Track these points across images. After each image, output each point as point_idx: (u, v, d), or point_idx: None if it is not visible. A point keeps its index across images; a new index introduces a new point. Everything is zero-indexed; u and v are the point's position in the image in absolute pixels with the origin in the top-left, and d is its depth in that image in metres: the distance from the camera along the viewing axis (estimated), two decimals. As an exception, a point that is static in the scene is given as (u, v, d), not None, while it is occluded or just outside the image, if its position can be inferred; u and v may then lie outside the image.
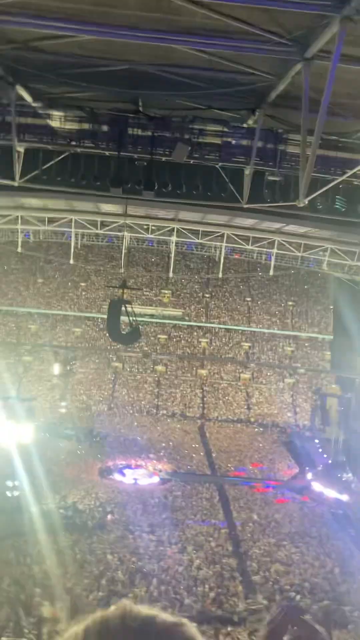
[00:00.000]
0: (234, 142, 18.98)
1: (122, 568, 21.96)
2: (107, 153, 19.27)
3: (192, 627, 0.91)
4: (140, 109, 18.10)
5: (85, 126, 18.84)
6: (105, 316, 24.21)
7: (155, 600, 18.84)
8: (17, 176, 20.19)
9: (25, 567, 21.05)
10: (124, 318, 21.83)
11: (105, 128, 18.75)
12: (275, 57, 12.80)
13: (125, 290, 25.82)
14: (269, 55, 12.66)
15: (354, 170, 16.69)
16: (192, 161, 19.18)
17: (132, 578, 21.22)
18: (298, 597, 20.80)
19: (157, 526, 26.21)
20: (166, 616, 0.91)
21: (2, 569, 20.93)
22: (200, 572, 22.32)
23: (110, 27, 12.25)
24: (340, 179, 17.30)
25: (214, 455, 38.96)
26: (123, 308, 21.36)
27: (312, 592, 21.50)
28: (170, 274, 51.28)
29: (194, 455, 38.80)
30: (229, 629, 18.47)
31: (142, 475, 34.08)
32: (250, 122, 17.88)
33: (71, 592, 19.04)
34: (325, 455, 38.83)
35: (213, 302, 53.23)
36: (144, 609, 0.92)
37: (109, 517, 26.93)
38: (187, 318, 52.33)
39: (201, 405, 48.23)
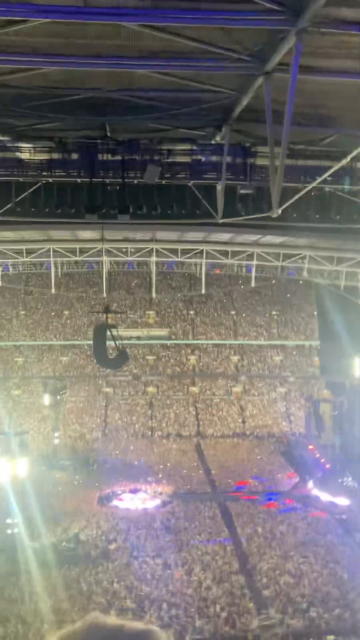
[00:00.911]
0: (203, 159, 19.19)
1: (130, 596, 21.61)
2: (79, 180, 19.36)
3: (160, 633, 0.88)
4: (108, 134, 18.26)
5: (55, 156, 18.94)
6: (91, 342, 24.08)
7: (167, 625, 18.52)
8: (-9, 211, 20.22)
9: (31, 604, 20.62)
10: (110, 342, 21.75)
11: (75, 156, 18.85)
12: (236, 73, 13.02)
13: (109, 315, 25.80)
14: (230, 72, 12.88)
15: (323, 177, 16.94)
16: (164, 181, 19.35)
17: (142, 605, 20.87)
18: (313, 612, 20.60)
19: (162, 550, 25.87)
20: (135, 625, 0.88)
21: (8, 608, 20.49)
22: (210, 592, 22.03)
23: (72, 57, 12.40)
24: (310, 187, 17.54)
25: (213, 472, 38.69)
26: (108, 332, 21.30)
27: (324, 601, 21.30)
28: (153, 295, 51.38)
29: (193, 474, 38.48)
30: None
31: (142, 500, 33.70)
32: (217, 138, 18.12)
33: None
34: (323, 462, 38.76)
35: (198, 319, 53.31)
36: (112, 620, 0.89)
37: (112, 545, 26.56)
38: (173, 337, 52.31)
39: (196, 423, 48.00)
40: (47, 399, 43.99)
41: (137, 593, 21.83)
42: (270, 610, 20.94)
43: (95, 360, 26.01)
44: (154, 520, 29.76)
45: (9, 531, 25.76)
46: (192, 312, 53.56)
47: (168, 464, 40.08)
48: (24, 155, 19.12)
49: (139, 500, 33.66)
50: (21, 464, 27.41)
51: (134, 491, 34.89)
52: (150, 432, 46.91)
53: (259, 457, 41.90)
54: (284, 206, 15.59)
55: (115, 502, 33.48)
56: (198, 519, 30.17)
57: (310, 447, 42.13)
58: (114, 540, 27.18)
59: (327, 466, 37.48)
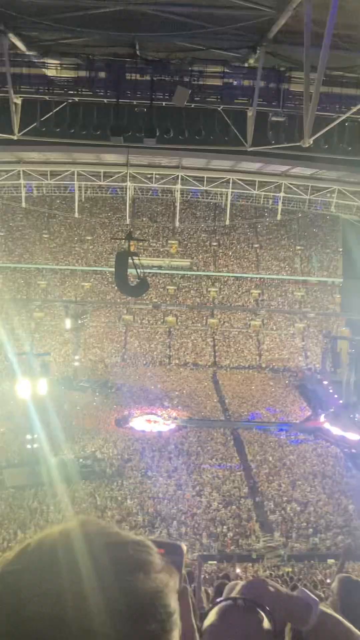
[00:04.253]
0: (235, 82, 18.37)
1: (142, 512, 22.74)
2: (105, 101, 18.77)
3: (154, 548, 0.88)
4: (138, 52, 17.50)
5: (82, 74, 18.26)
6: (113, 269, 24.11)
7: (175, 541, 19.54)
8: (16, 129, 19.81)
9: (48, 514, 21.84)
10: (131, 270, 21.74)
11: (102, 74, 18.18)
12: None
13: (131, 242, 25.67)
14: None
15: (359, 106, 16.20)
16: (193, 105, 18.66)
17: (153, 522, 21.99)
18: (316, 537, 21.50)
19: (174, 471, 26.93)
20: (130, 535, 0.88)
21: (26, 518, 21.74)
22: (218, 514, 23.06)
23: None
24: (344, 116, 16.80)
25: (227, 401, 39.57)
26: (130, 260, 21.26)
27: (328, 528, 22.20)
28: (177, 224, 50.84)
29: (207, 402, 39.41)
30: (248, 565, 19.24)
31: (157, 423, 34.79)
32: (251, 61, 17.25)
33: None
34: (337, 397, 39.30)
35: (221, 250, 52.86)
36: (106, 524, 0.89)
37: (127, 464, 27.68)
38: (195, 268, 52.12)
39: (213, 353, 48.63)
40: (68, 323, 44.74)
41: (149, 510, 22.96)
42: (274, 534, 21.95)
43: (116, 287, 26.17)
44: (168, 443, 30.82)
45: (29, 446, 26.90)
46: (215, 244, 53.05)
47: (184, 391, 41.01)
48: (50, 72, 18.49)
49: (154, 423, 34.76)
50: (42, 384, 28.21)
51: (149, 414, 35.98)
52: (167, 360, 47.73)
53: (273, 390, 42.61)
54: (315, 136, 15.03)
55: (131, 424, 34.64)
56: (210, 444, 31.16)
57: (325, 382, 42.63)
58: (129, 459, 28.33)
59: (340, 402, 38.01)
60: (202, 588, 8.24)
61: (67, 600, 0.74)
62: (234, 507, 23.74)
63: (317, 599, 1.26)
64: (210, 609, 1.32)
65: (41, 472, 24.61)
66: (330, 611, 1.27)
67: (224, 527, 22.01)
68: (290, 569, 18.72)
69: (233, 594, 1.31)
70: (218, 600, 1.32)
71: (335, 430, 33.90)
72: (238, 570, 16.93)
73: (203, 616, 1.33)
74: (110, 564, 0.78)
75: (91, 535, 0.82)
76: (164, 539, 1.06)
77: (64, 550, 0.79)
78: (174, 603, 0.82)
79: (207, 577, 14.59)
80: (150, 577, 0.80)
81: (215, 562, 19.00)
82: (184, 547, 1.09)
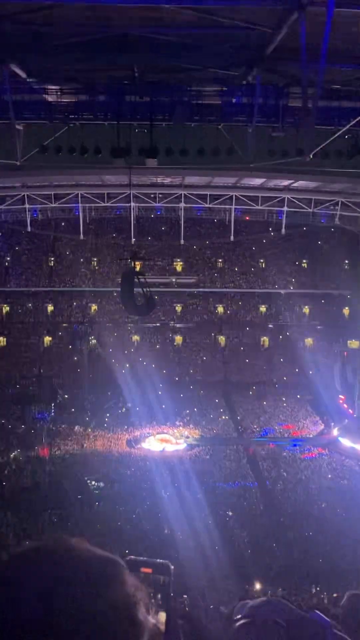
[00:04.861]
0: (234, 100, 18.57)
1: (157, 533, 22.50)
2: (106, 123, 19.00)
3: (122, 565, 0.92)
4: (137, 75, 17.75)
5: (82, 98, 18.56)
6: (119, 289, 24.19)
7: (191, 560, 19.31)
8: (19, 155, 20.05)
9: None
10: (137, 290, 21.74)
11: (102, 98, 18.45)
12: (269, 8, 12.43)
13: (137, 262, 25.75)
14: (263, 7, 12.30)
15: (358, 118, 16.28)
16: (193, 124, 18.85)
17: (168, 542, 21.73)
18: (334, 553, 21.16)
19: (188, 491, 26.66)
20: (100, 552, 0.93)
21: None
22: (234, 532, 22.78)
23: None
24: (344, 129, 16.89)
25: (239, 418, 39.29)
26: (136, 279, 21.28)
27: (346, 543, 21.85)
28: (182, 241, 50.97)
29: (219, 419, 39.15)
30: (266, 583, 18.92)
31: (170, 442, 34.55)
32: (249, 78, 17.45)
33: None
34: (349, 410, 38.94)
35: (226, 267, 52.88)
36: (79, 542, 0.94)
37: (141, 485, 27.45)
38: (201, 285, 52.12)
39: (223, 370, 48.41)
40: (76, 345, 44.78)
41: (164, 531, 22.70)
42: (292, 551, 21.64)
43: (122, 307, 26.23)
44: (182, 463, 30.55)
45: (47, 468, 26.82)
46: (220, 260, 53.07)
47: (195, 409, 40.77)
48: (51, 98, 18.78)
49: (166, 443, 34.52)
50: (52, 407, 28.18)
51: (161, 434, 35.75)
52: (177, 379, 47.50)
53: (285, 405, 42.28)
54: (316, 150, 15.11)
55: (143, 444, 34.42)
56: (224, 462, 30.88)
57: (336, 395, 42.28)
58: (142, 480, 28.10)
59: (354, 414, 37.65)
60: (219, 608, 8.12)
61: (38, 608, 0.80)
62: (249, 524, 23.44)
63: (330, 621, 1.24)
64: (229, 626, 1.30)
65: (56, 495, 24.48)
66: (342, 634, 1.25)
67: (240, 545, 21.73)
68: (308, 586, 18.40)
69: (245, 611, 1.29)
70: (236, 618, 1.31)
71: (349, 444, 33.53)
72: (257, 587, 16.66)
73: (221, 634, 1.32)
74: (79, 578, 0.83)
75: (61, 551, 0.87)
76: (153, 559, 1.09)
77: (36, 564, 0.84)
78: (141, 615, 0.86)
79: (224, 597, 14.37)
80: (116, 590, 0.86)
81: (232, 581, 18.71)
82: (171, 567, 1.10)
